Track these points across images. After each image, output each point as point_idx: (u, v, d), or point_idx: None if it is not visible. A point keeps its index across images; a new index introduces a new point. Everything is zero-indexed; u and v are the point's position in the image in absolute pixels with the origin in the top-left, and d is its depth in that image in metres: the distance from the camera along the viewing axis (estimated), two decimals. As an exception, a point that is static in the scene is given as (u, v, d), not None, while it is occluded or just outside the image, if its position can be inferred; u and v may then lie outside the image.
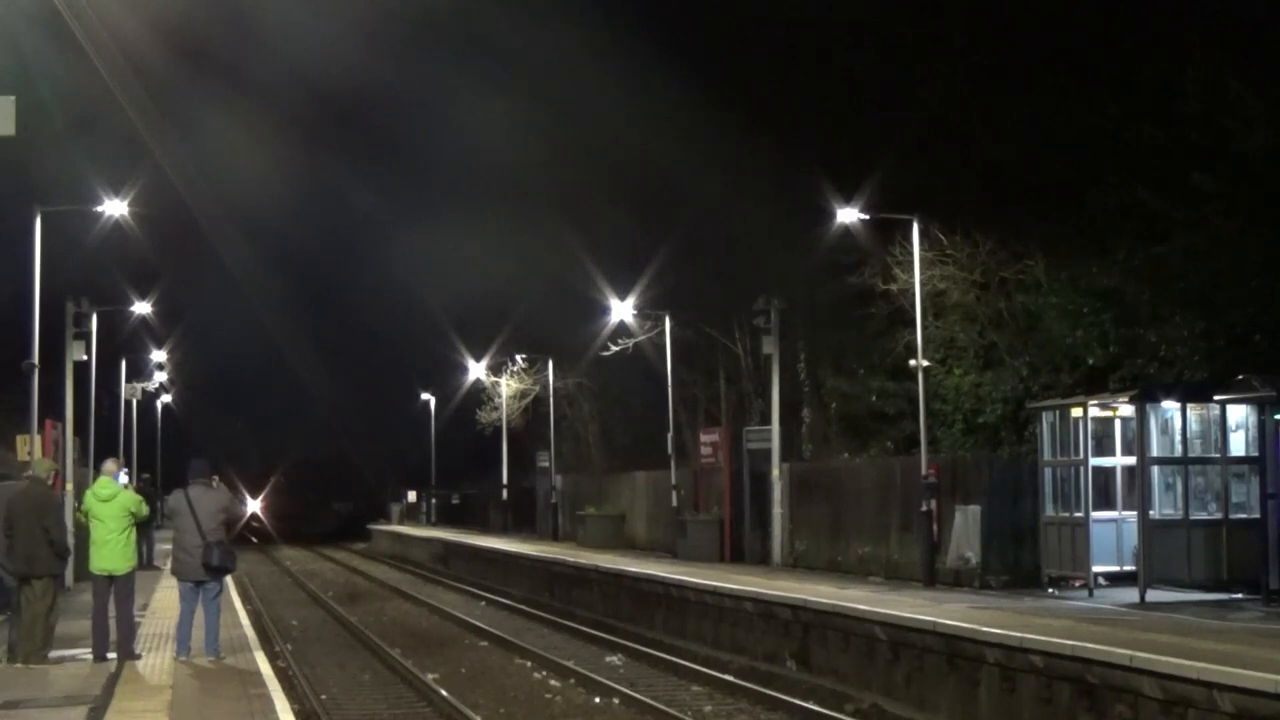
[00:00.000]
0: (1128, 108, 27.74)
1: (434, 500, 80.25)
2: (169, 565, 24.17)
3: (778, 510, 34.43)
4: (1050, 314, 29.53)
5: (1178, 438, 23.49)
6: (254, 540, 76.70)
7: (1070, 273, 29.38)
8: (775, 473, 34.62)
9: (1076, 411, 24.27)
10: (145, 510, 18.60)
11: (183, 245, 65.17)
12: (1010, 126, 31.24)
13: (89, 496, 18.29)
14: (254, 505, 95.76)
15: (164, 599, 26.45)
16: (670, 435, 41.34)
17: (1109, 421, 24.35)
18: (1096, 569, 23.71)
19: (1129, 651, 15.95)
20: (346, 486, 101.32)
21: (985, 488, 27.06)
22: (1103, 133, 28.60)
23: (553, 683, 22.83)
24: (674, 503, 40.06)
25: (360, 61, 56.76)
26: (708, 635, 27.75)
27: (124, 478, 25.66)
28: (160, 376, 64.82)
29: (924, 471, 28.08)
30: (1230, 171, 26.14)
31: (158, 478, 61.12)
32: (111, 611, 18.03)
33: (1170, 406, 23.46)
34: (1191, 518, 23.19)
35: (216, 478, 18.55)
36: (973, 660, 18.81)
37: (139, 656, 18.14)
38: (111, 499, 17.93)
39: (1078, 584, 24.13)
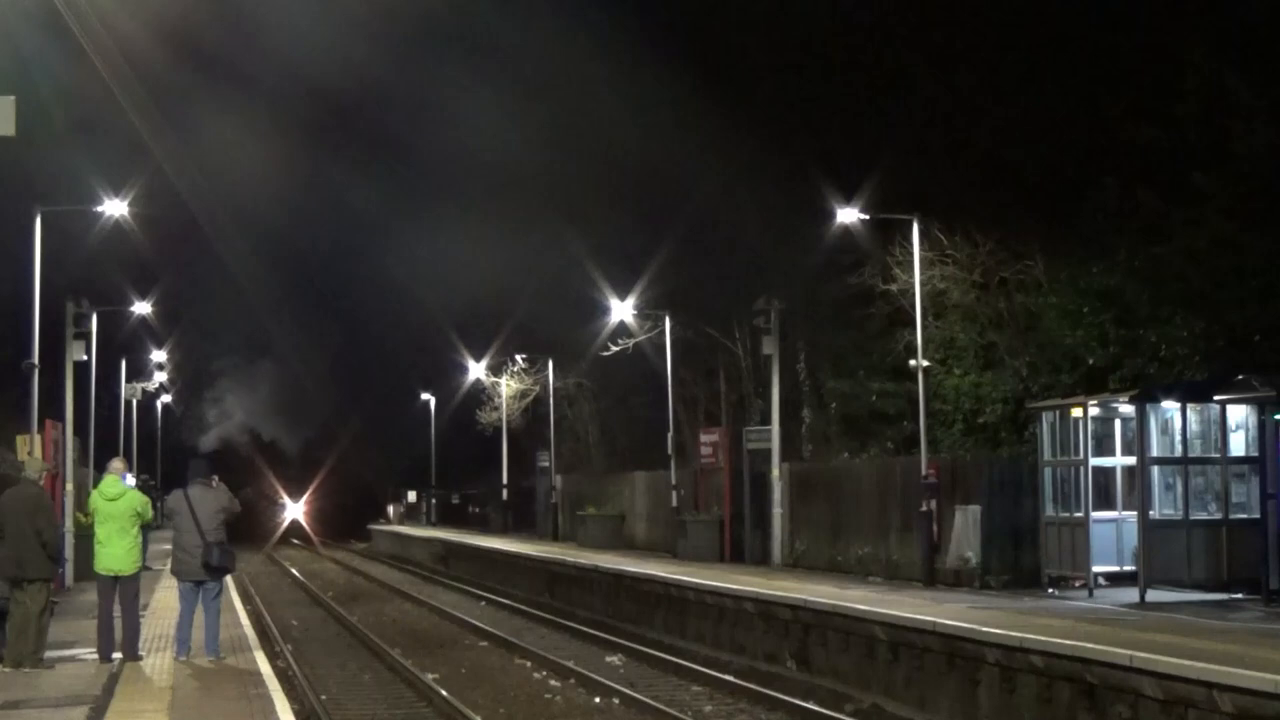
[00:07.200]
0: (1128, 108, 27.75)
1: (434, 500, 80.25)
2: (167, 565, 24.16)
3: (777, 510, 34.42)
4: (1050, 314, 29.56)
5: (1178, 438, 23.48)
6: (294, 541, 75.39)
7: (1070, 273, 29.41)
8: (775, 473, 34.61)
9: (1076, 411, 24.25)
10: (150, 513, 18.37)
11: (183, 245, 65.25)
12: (1010, 126, 31.24)
13: (95, 496, 17.99)
14: (295, 510, 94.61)
15: (164, 599, 26.44)
16: (670, 435, 41.34)
17: (1109, 421, 24.35)
18: (1096, 569, 23.71)
19: (1129, 651, 15.94)
20: (346, 486, 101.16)
21: (985, 488, 27.03)
22: (1103, 133, 28.61)
23: (553, 683, 22.81)
24: (674, 503, 40.05)
25: (360, 61, 56.85)
26: (708, 635, 27.74)
27: (130, 480, 25.60)
28: (160, 376, 64.86)
29: (924, 471, 28.08)
30: (1230, 171, 26.15)
31: (158, 478, 61.17)
32: (116, 612, 17.81)
33: (1170, 406, 23.45)
34: (1191, 518, 23.18)
35: (216, 477, 18.48)
36: (973, 660, 18.80)
37: (141, 657, 18.08)
38: (119, 498, 17.66)
39: (1078, 584, 24.11)
